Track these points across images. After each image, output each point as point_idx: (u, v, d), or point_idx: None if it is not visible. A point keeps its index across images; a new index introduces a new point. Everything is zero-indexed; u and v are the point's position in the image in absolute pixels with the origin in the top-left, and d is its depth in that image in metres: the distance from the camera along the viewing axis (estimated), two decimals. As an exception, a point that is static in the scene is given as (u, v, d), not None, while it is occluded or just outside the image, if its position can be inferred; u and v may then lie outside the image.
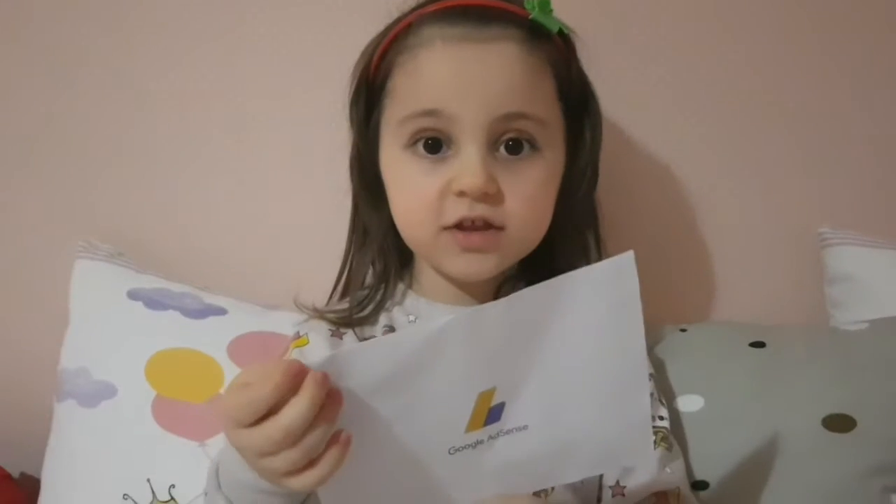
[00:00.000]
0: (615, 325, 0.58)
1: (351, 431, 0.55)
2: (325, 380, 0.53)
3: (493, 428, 0.58)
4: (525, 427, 0.59)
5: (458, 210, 0.72)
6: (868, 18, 0.99)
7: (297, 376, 0.53)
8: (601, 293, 0.57)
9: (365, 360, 0.54)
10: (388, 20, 0.79)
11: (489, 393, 0.57)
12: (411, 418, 0.56)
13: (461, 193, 0.71)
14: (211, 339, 0.87)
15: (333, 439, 0.55)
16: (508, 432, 0.59)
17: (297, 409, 0.53)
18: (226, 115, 0.98)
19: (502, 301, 0.56)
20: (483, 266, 0.74)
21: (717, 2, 0.98)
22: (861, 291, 0.93)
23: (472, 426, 0.57)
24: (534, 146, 0.74)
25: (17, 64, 0.97)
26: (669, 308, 0.95)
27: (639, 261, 0.92)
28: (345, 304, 0.81)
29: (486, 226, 0.73)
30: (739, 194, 0.99)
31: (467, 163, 0.71)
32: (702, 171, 0.98)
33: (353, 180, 0.82)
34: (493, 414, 0.58)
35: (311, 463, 0.55)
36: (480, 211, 0.72)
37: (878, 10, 0.99)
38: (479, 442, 0.58)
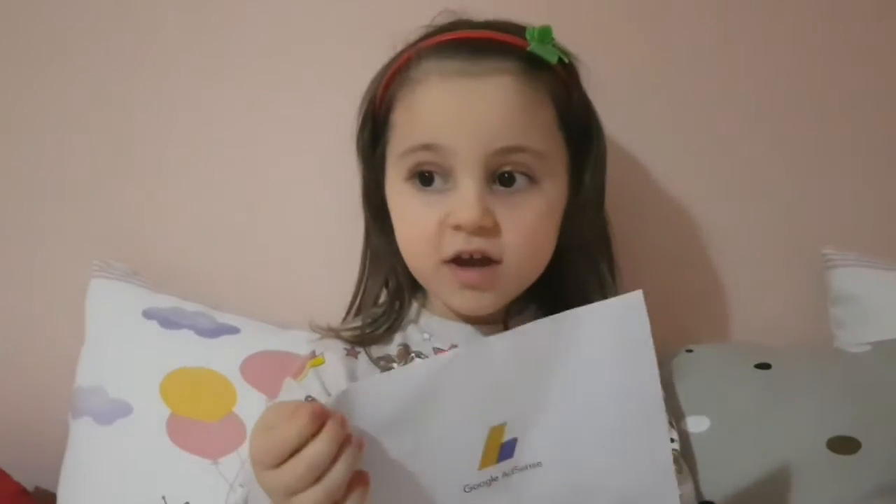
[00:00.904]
0: (626, 364, 0.58)
1: (367, 471, 0.55)
2: (344, 421, 0.55)
3: (506, 465, 0.58)
4: (539, 464, 0.59)
5: (456, 243, 0.73)
6: (871, 40, 1.00)
7: (320, 417, 0.54)
8: (609, 331, 0.57)
9: (375, 393, 0.55)
10: (391, 49, 0.80)
11: (500, 428, 0.57)
12: (424, 454, 0.57)
13: (457, 227, 0.72)
14: (224, 357, 0.89)
15: (356, 481, 0.56)
16: (523, 469, 0.59)
17: (320, 445, 0.54)
18: (241, 137, 0.99)
19: (508, 333, 0.57)
20: (480, 303, 0.76)
21: (722, 25, 0.99)
22: (865, 312, 0.94)
23: (485, 462, 0.58)
24: (531, 178, 0.74)
25: (30, 89, 0.99)
26: (676, 328, 0.95)
27: (645, 282, 0.94)
28: (359, 323, 0.82)
29: (484, 259, 0.73)
30: (745, 216, 1.00)
31: (463, 197, 0.72)
32: (708, 193, 1.00)
33: (363, 207, 0.84)
34: (505, 450, 0.58)
35: None
36: (477, 244, 0.73)
37: (881, 32, 1.00)
38: (494, 479, 0.58)
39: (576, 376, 0.58)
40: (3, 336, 1.00)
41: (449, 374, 0.55)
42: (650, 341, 0.58)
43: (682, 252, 1.00)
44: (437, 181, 0.74)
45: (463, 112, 0.72)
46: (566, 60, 0.77)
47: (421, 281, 0.80)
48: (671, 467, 0.61)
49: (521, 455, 0.59)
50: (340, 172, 0.89)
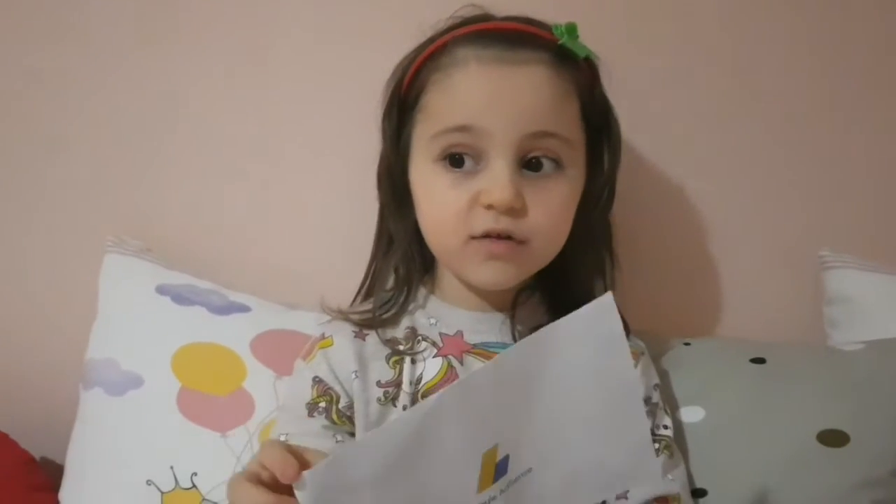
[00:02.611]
0: (604, 362, 0.60)
1: None
2: None
3: (502, 482, 0.59)
4: (529, 470, 0.60)
5: (486, 222, 0.76)
6: (870, 44, 1.03)
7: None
8: (587, 336, 0.59)
9: (365, 453, 0.55)
10: (418, 37, 0.83)
11: (492, 451, 0.58)
12: (423, 495, 0.57)
13: (489, 207, 0.75)
14: (235, 335, 0.91)
15: None
16: (517, 480, 0.60)
17: None
18: (254, 117, 1.01)
19: (490, 364, 0.57)
20: (503, 276, 0.78)
21: (725, 27, 1.01)
22: (858, 313, 0.97)
23: (483, 486, 0.58)
24: (558, 164, 0.78)
25: (51, 63, 1.00)
26: (675, 322, 0.99)
27: (647, 277, 0.98)
28: (368, 306, 0.84)
29: (510, 238, 0.76)
30: (745, 216, 1.02)
31: (496, 178, 0.75)
32: (709, 192, 1.02)
33: (380, 190, 0.86)
34: (499, 468, 0.59)
35: None
36: (505, 224, 0.76)
37: (881, 37, 1.03)
38: (493, 498, 0.59)
39: (557, 383, 0.59)
40: (16, 307, 1.01)
41: (436, 418, 0.55)
42: (623, 336, 0.60)
43: (681, 249, 1.03)
44: (468, 163, 0.77)
45: (500, 96, 0.76)
46: (592, 57, 0.80)
47: (444, 258, 0.82)
48: (650, 442, 0.64)
49: (514, 468, 0.60)
50: (353, 155, 0.91)
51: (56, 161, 1.01)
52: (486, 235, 0.76)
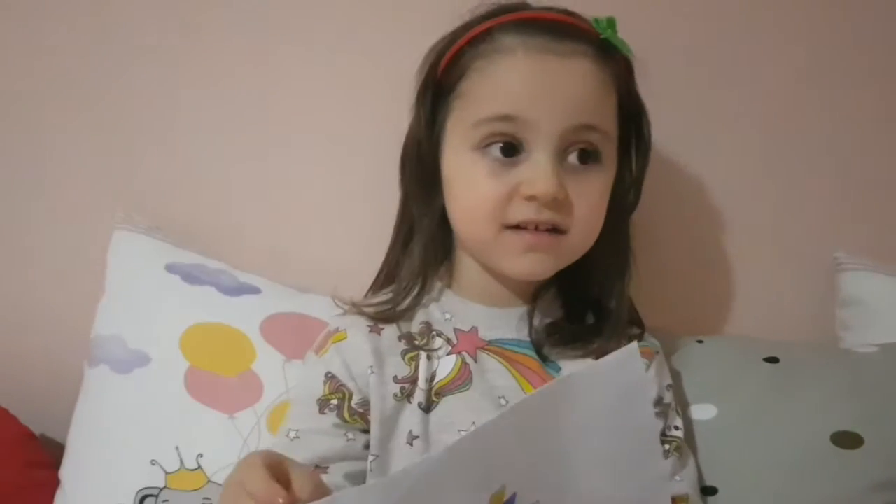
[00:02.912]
0: (625, 407, 0.60)
1: None
2: None
3: None
4: (537, 502, 0.59)
5: (526, 212, 0.75)
6: (889, 43, 1.03)
7: None
8: (610, 383, 0.59)
9: (368, 499, 0.54)
10: (436, 26, 0.82)
11: (500, 493, 0.57)
12: None
13: (531, 198, 0.75)
14: (244, 316, 0.89)
15: None
16: None
17: None
18: (270, 97, 1.00)
19: (506, 413, 0.56)
20: (541, 267, 0.78)
21: (736, 25, 1.01)
22: (870, 316, 0.97)
23: None
24: (597, 158, 0.78)
25: (62, 43, 0.99)
26: (688, 320, 0.98)
27: (661, 275, 0.97)
28: (382, 297, 0.83)
29: (552, 229, 0.76)
30: (760, 216, 1.02)
31: (540, 169, 0.75)
32: (725, 191, 1.02)
33: (405, 175, 0.84)
34: None
35: None
36: (548, 216, 0.75)
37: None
38: None
39: (576, 426, 0.58)
40: (22, 282, 1.00)
41: (443, 470, 0.54)
42: (645, 383, 0.61)
43: (696, 247, 1.02)
44: (509, 152, 0.76)
45: (547, 87, 0.75)
46: (629, 54, 0.80)
47: (475, 248, 0.81)
48: (665, 478, 0.64)
49: (521, 502, 0.59)
50: (370, 139, 0.90)
51: (66, 137, 1.00)
52: (522, 227, 0.76)
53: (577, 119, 0.75)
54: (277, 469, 0.58)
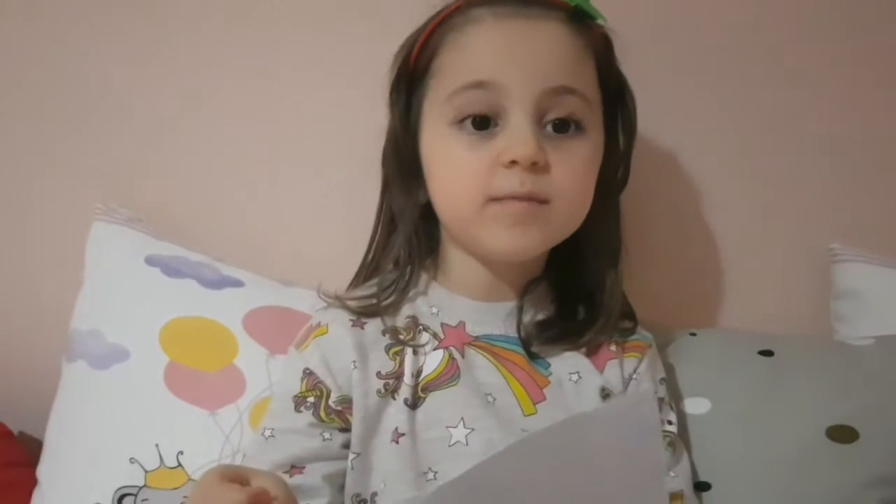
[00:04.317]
0: (634, 447, 0.58)
1: None
2: None
3: None
4: None
5: (509, 185, 0.73)
6: (882, 38, 1.01)
7: None
8: (622, 426, 0.58)
9: None
10: (420, 13, 0.80)
11: None
12: None
13: (512, 163, 0.72)
14: (227, 309, 0.87)
15: None
16: None
17: None
18: (252, 89, 0.98)
19: (511, 448, 0.55)
20: (527, 240, 0.75)
21: (733, 23, 1.00)
22: (866, 308, 0.95)
23: None
24: (579, 126, 0.75)
25: (43, 29, 0.97)
26: (682, 313, 0.97)
27: (655, 267, 0.96)
28: (366, 291, 0.81)
29: (536, 201, 0.74)
30: (755, 207, 1.01)
31: (517, 133, 0.73)
32: (719, 182, 1.00)
33: (386, 165, 0.83)
34: None
35: None
36: (529, 187, 0.73)
37: (891, 31, 1.02)
38: None
39: (581, 464, 0.57)
40: (-3, 273, 0.98)
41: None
42: (658, 425, 0.61)
43: (689, 239, 1.01)
44: (486, 124, 0.74)
45: (517, 50, 0.73)
46: (606, 25, 0.78)
47: (459, 229, 0.78)
48: None
49: None
50: (354, 128, 0.89)
51: (44, 127, 0.98)
52: (508, 198, 0.73)
53: (552, 81, 0.73)
54: (237, 480, 0.58)
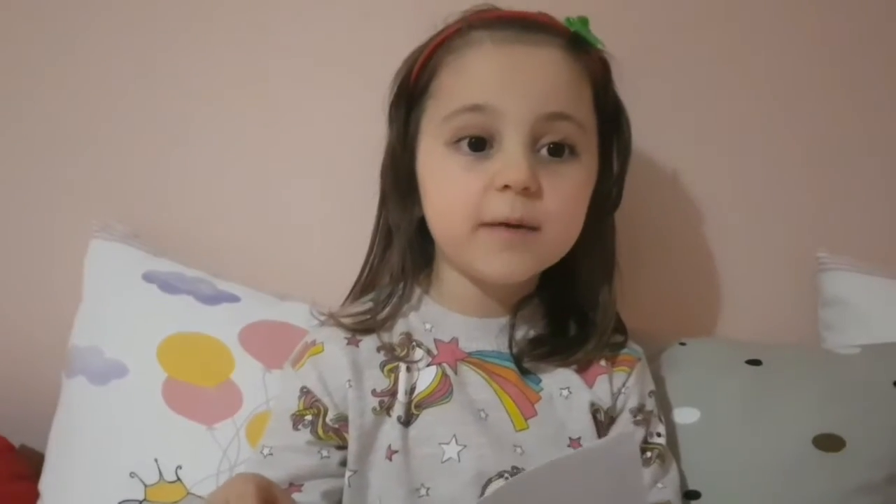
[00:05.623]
0: (617, 484, 0.60)
1: None
2: None
3: None
4: None
5: (500, 209, 0.74)
6: (869, 46, 1.02)
7: None
8: (607, 464, 0.59)
9: None
10: (420, 29, 0.81)
11: None
12: None
13: (505, 187, 0.73)
14: (223, 325, 0.89)
15: None
16: None
17: None
18: (249, 105, 0.99)
19: (502, 489, 0.56)
20: (517, 266, 0.76)
21: (725, 28, 1.01)
22: (853, 316, 0.96)
23: None
24: (573, 150, 0.76)
25: (40, 44, 0.98)
26: (670, 322, 0.98)
27: (644, 277, 0.97)
28: (361, 307, 0.82)
29: (527, 227, 0.74)
30: (742, 217, 1.02)
31: (511, 157, 0.74)
32: (708, 192, 1.01)
33: (384, 181, 0.83)
34: None
35: None
36: (521, 211, 0.73)
37: (878, 38, 1.02)
38: None
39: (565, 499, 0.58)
40: (-2, 292, 0.99)
41: None
42: (639, 461, 0.62)
43: (677, 249, 1.02)
44: (478, 146, 0.75)
45: (515, 75, 0.74)
46: (605, 51, 0.79)
47: (451, 248, 0.79)
48: None
49: None
50: (351, 143, 0.90)
51: (43, 145, 0.99)
52: (499, 224, 0.74)
53: (547, 107, 0.74)
54: (267, 495, 0.59)
